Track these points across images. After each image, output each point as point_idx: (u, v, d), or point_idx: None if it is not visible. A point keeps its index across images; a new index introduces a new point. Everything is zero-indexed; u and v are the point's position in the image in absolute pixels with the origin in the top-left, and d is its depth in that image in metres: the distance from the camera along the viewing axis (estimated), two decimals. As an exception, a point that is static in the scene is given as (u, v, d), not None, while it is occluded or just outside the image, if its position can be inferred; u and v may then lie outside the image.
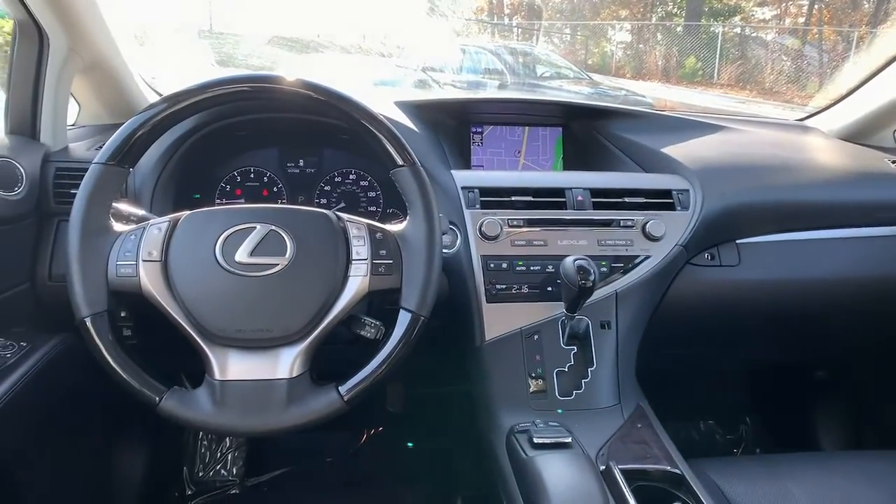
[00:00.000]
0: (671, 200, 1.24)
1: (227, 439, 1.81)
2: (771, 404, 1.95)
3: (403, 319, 0.88)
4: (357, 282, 0.88)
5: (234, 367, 0.84)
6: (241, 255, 0.85)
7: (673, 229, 1.20)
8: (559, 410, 1.07)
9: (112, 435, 1.50)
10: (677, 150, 1.36)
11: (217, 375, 0.84)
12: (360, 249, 0.89)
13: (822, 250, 1.32)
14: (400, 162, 0.92)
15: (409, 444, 1.89)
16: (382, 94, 1.44)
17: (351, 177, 1.41)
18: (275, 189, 1.39)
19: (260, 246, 0.86)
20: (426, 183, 0.92)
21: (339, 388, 0.86)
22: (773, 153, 1.43)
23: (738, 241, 1.29)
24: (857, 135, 1.57)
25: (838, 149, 1.53)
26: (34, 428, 1.09)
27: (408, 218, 0.93)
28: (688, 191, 1.25)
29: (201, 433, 1.80)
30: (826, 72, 11.96)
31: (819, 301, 1.34)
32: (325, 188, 1.41)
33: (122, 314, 0.92)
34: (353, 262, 0.89)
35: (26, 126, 1.18)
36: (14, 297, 1.12)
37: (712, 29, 13.93)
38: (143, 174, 1.19)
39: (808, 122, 1.71)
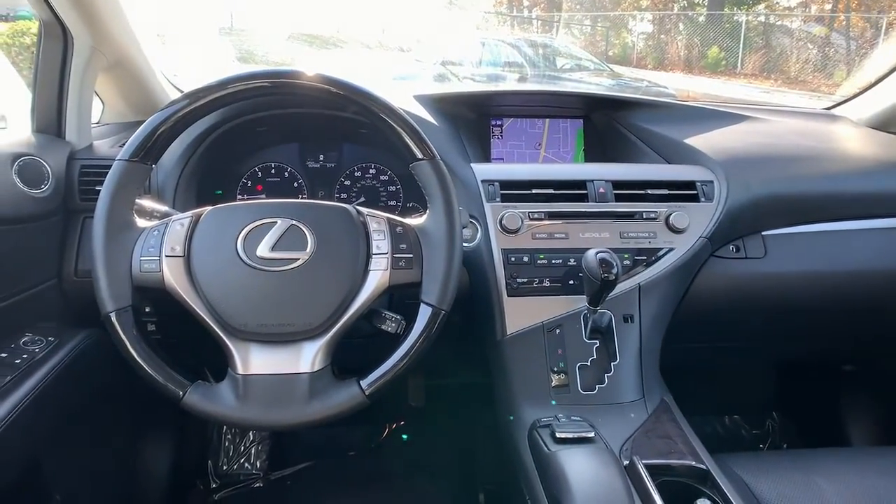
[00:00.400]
0: (695, 192, 1.22)
1: (251, 433, 1.83)
2: (798, 399, 1.92)
3: (424, 313, 0.88)
4: (377, 276, 0.88)
5: (256, 361, 0.85)
6: (263, 249, 0.86)
7: (697, 221, 1.18)
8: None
9: (138, 429, 1.52)
10: (701, 141, 1.34)
11: (240, 370, 0.84)
12: (381, 243, 0.89)
13: (851, 241, 1.29)
14: (419, 155, 0.91)
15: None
16: (401, 88, 1.43)
17: (371, 171, 1.42)
18: (295, 184, 1.40)
19: (281, 241, 0.86)
20: (446, 176, 0.92)
21: (361, 382, 0.86)
22: (800, 142, 1.40)
23: (763, 233, 1.27)
24: (887, 123, 1.53)
25: (868, 137, 1.49)
26: (63, 421, 1.10)
27: (428, 211, 0.93)
28: (712, 182, 1.23)
29: (225, 427, 1.82)
30: (854, 59, 11.70)
31: (848, 293, 1.31)
32: (345, 183, 1.41)
33: (147, 310, 0.93)
34: (374, 256, 0.89)
35: (52, 125, 1.20)
36: (42, 292, 1.14)
37: (736, 18, 13.71)
38: (166, 171, 1.20)
39: (835, 111, 1.67)
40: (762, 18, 14.00)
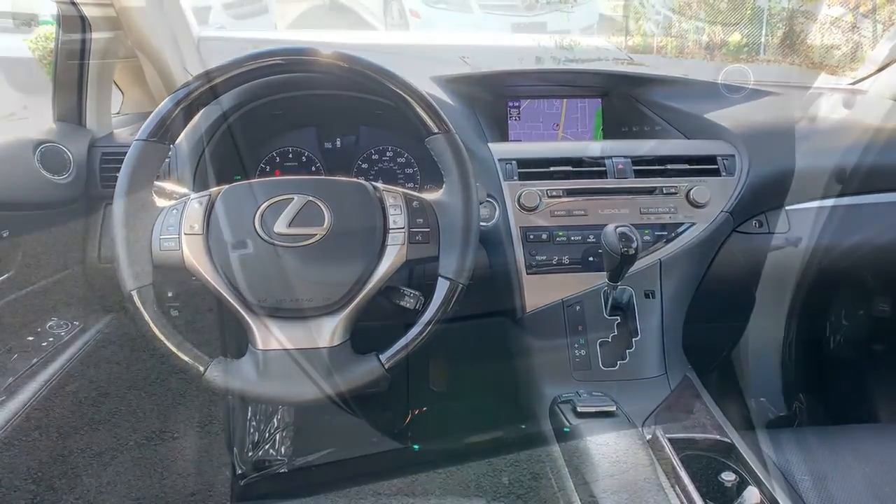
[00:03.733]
0: (716, 166, 1.20)
1: (275, 420, 1.84)
2: (826, 380, 1.87)
3: (441, 287, 0.88)
4: (395, 251, 0.88)
5: (275, 336, 0.85)
6: (280, 225, 0.86)
7: (718, 195, 1.16)
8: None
9: (164, 415, 1.54)
10: (721, 116, 1.32)
11: (259, 345, 0.85)
12: (397, 218, 0.89)
13: (877, 215, 1.26)
14: (435, 129, 0.91)
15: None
16: (417, 70, 1.42)
17: (388, 153, 1.41)
18: (313, 168, 1.40)
19: (298, 216, 0.87)
20: (461, 149, 0.91)
21: (380, 355, 0.86)
22: (825, 116, 1.37)
23: (787, 208, 1.25)
24: (913, 95, 1.49)
25: (893, 110, 1.45)
26: (88, 403, 1.12)
27: (444, 185, 0.92)
28: (733, 156, 1.21)
29: (250, 414, 1.83)
30: (881, 41, 11.42)
31: (874, 268, 1.28)
32: (363, 165, 1.41)
33: (170, 295, 0.94)
34: (391, 231, 0.88)
35: (73, 113, 1.22)
36: (67, 278, 1.16)
37: (757, 3, 13.46)
38: (185, 156, 1.20)
39: (860, 86, 1.63)
40: (785, 3, 13.72)
